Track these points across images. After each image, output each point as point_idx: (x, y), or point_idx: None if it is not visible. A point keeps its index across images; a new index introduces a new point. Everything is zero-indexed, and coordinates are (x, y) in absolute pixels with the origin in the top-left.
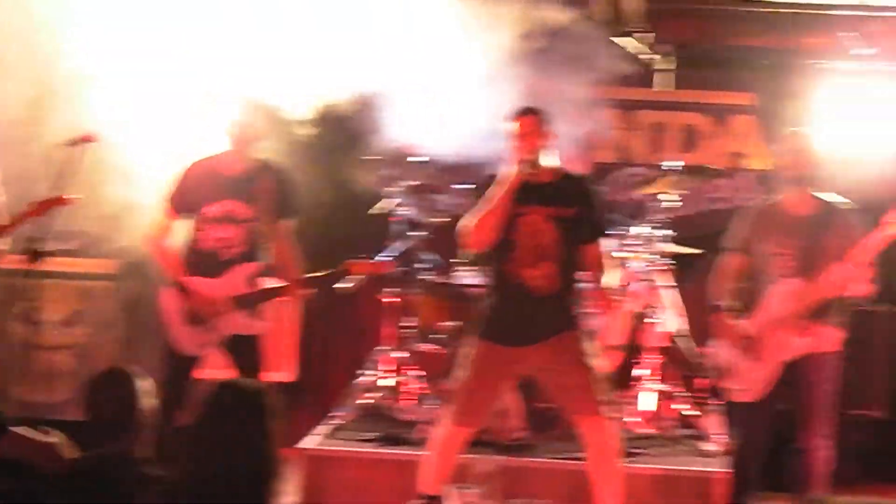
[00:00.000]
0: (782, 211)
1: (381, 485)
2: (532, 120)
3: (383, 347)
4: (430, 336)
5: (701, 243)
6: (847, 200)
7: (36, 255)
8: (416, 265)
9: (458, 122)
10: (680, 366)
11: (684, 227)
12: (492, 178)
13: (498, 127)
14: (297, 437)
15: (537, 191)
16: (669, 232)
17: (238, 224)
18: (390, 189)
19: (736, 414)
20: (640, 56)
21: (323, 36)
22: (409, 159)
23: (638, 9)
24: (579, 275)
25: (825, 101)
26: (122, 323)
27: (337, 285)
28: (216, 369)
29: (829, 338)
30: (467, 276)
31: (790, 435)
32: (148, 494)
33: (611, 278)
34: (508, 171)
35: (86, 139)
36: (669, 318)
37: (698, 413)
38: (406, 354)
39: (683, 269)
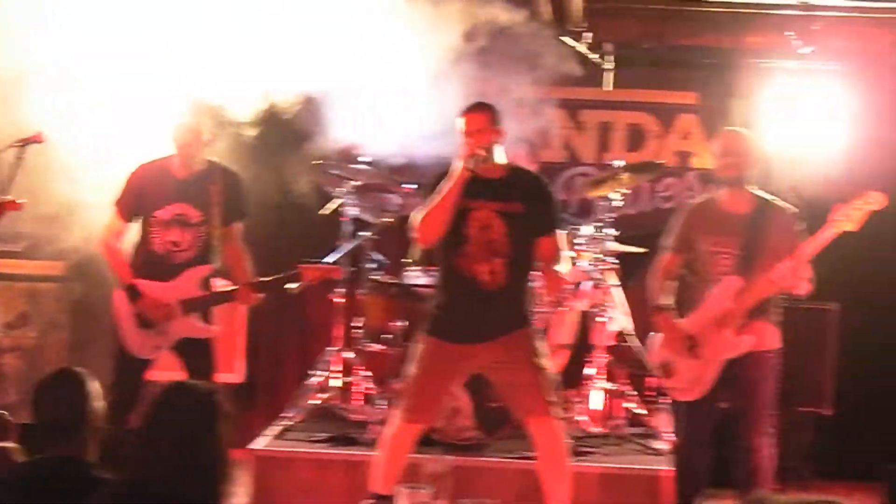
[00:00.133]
0: (719, 209)
1: (331, 485)
2: (482, 116)
3: (333, 348)
4: (380, 336)
5: (647, 242)
6: (783, 198)
7: None
8: (365, 265)
9: (403, 122)
10: (629, 364)
11: (631, 226)
12: (439, 177)
13: (444, 127)
14: (247, 438)
15: (487, 186)
16: (616, 231)
17: (188, 227)
18: (338, 189)
19: (679, 412)
20: (586, 56)
21: (268, 36)
22: (356, 159)
23: (582, 9)
24: (530, 272)
25: (769, 100)
26: (70, 325)
27: (286, 286)
28: (167, 372)
29: (770, 335)
30: (416, 276)
31: (734, 432)
32: (98, 497)
33: (565, 268)
34: (458, 166)
35: (33, 139)
36: (618, 317)
37: (647, 411)
38: (355, 355)
39: (630, 268)
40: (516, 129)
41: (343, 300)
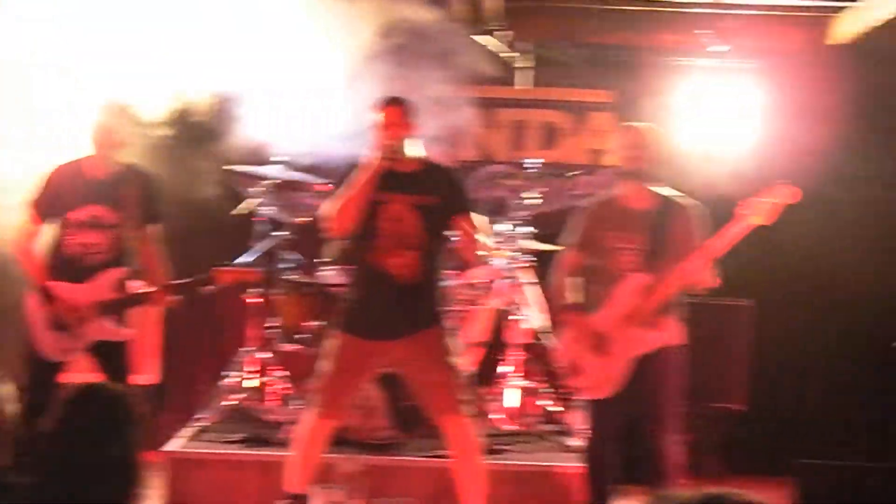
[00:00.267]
0: (622, 206)
1: (246, 486)
2: (396, 110)
3: (247, 348)
4: (295, 336)
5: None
6: (689, 195)
7: None
8: (280, 265)
9: (318, 121)
10: (543, 362)
11: (545, 223)
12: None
13: (358, 125)
14: (161, 440)
15: (400, 179)
16: (531, 229)
17: (104, 229)
18: (252, 190)
19: (589, 410)
20: (501, 54)
21: (180, 35)
22: (270, 159)
23: (497, 7)
24: (444, 267)
25: (683, 98)
26: None
27: (201, 288)
28: (81, 374)
29: (675, 331)
30: (331, 276)
31: (643, 429)
32: (9, 501)
33: (484, 236)
34: (370, 158)
35: None
36: (532, 315)
37: (562, 409)
38: (270, 355)
39: (546, 267)
40: (431, 128)
41: (258, 301)
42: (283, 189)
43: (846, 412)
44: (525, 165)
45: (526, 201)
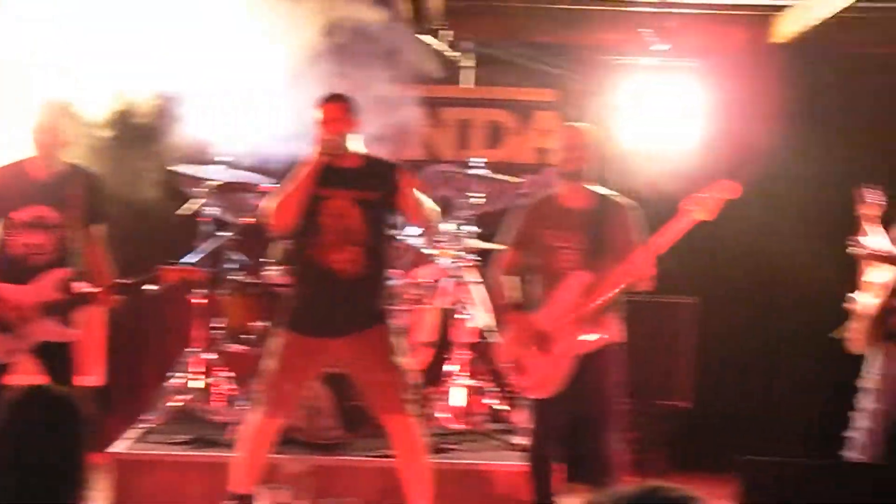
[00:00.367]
0: (559, 204)
1: (192, 487)
2: (338, 106)
3: (193, 349)
4: (240, 337)
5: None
6: (625, 194)
7: None
8: (225, 265)
9: (261, 121)
10: (489, 361)
11: (490, 222)
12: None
13: (301, 125)
14: (107, 441)
15: (342, 174)
16: (476, 228)
17: (48, 229)
18: (196, 190)
19: (531, 409)
20: (445, 53)
21: (122, 35)
22: (214, 159)
23: (440, 6)
24: (388, 263)
25: (625, 97)
26: None
27: (145, 288)
28: (26, 376)
29: (615, 329)
30: (276, 276)
31: (585, 427)
32: None
33: (432, 208)
34: (312, 153)
35: None
36: (478, 314)
37: (508, 408)
38: (216, 356)
39: (490, 265)
40: (376, 127)
41: (203, 301)
42: (228, 189)
43: (789, 408)
44: (470, 164)
45: (471, 200)
